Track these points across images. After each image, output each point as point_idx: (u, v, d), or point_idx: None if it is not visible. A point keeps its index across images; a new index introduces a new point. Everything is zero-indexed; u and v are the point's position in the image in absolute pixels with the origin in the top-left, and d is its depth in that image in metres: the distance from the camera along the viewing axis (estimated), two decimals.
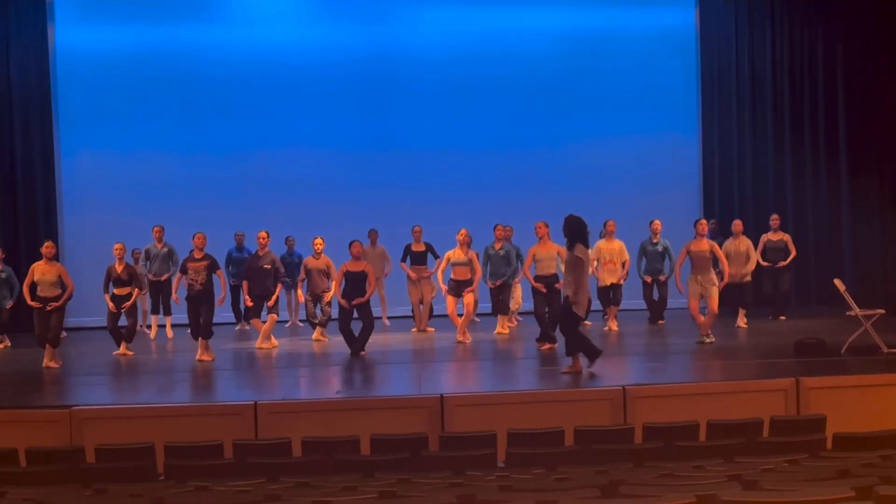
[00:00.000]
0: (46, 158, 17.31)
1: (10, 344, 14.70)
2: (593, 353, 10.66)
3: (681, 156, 18.24)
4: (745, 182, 17.96)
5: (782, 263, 15.26)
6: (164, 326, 15.20)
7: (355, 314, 12.68)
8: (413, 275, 15.06)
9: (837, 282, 12.29)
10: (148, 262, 14.89)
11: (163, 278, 14.84)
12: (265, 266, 13.32)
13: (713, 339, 12.62)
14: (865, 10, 17.68)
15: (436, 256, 15.05)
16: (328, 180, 17.65)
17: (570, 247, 10.71)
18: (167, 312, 15.03)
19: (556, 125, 18.12)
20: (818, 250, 17.77)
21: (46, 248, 12.56)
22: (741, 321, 14.51)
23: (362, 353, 12.59)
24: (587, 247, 10.86)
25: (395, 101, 18.07)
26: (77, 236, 17.39)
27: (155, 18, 17.71)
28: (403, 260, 15.26)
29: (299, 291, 14.38)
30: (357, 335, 12.62)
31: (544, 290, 12.81)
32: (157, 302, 15.05)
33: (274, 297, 13.30)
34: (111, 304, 13.17)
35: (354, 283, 12.70)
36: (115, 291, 13.22)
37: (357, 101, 18.07)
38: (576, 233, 10.73)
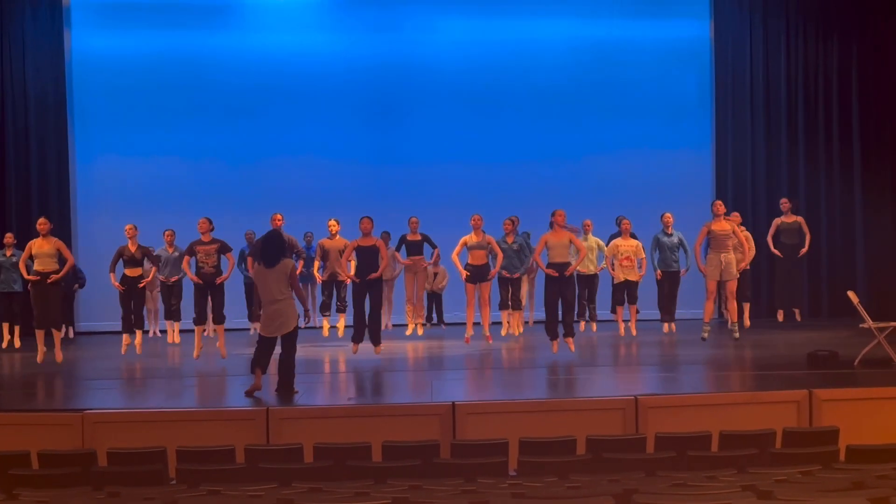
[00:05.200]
0: (61, 163, 17.40)
1: (19, 344, 14.71)
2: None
3: (694, 169, 18.17)
4: (758, 194, 17.88)
5: (802, 251, 15.19)
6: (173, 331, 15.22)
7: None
8: (408, 262, 14.86)
9: (851, 294, 12.24)
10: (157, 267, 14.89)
11: (172, 280, 14.86)
12: None
13: (738, 335, 12.72)
14: (881, 21, 17.63)
15: (433, 246, 14.92)
16: (340, 190, 17.63)
17: (272, 264, 10.17)
18: (175, 318, 15.01)
19: (570, 137, 18.10)
20: (832, 263, 17.71)
21: (41, 224, 12.52)
22: (746, 319, 14.59)
23: (377, 348, 12.68)
24: (293, 258, 10.67)
25: (409, 111, 18.10)
26: (90, 240, 17.44)
27: (170, 25, 17.82)
28: (398, 249, 14.97)
29: (316, 273, 14.21)
30: (367, 322, 12.69)
31: (556, 275, 12.63)
32: (168, 306, 15.08)
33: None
34: (118, 285, 13.26)
35: (366, 259, 12.66)
36: (127, 272, 13.34)
37: (370, 111, 18.11)
38: (279, 251, 10.29)
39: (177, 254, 14.80)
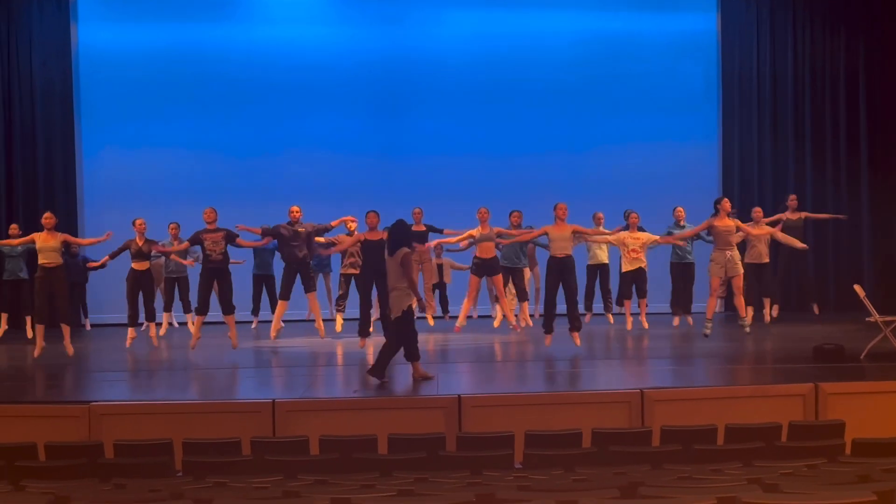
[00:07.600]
0: (67, 156, 17.45)
1: (31, 334, 14.65)
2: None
3: (700, 162, 18.18)
4: (764, 189, 17.88)
5: (799, 246, 15.08)
6: (184, 324, 15.23)
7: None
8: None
9: (857, 288, 12.23)
10: (165, 259, 14.89)
11: (179, 276, 14.84)
12: (299, 230, 13.39)
13: (748, 329, 12.90)
14: (888, 13, 17.59)
15: (439, 231, 14.86)
16: (345, 182, 17.65)
17: (392, 252, 10.50)
18: (187, 310, 15.02)
19: (576, 130, 18.12)
20: (838, 256, 17.69)
21: (46, 218, 12.54)
22: (767, 313, 14.72)
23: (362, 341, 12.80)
24: (412, 249, 10.75)
25: (415, 104, 18.10)
26: (97, 232, 17.35)
27: (177, 18, 17.87)
28: None
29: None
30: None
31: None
32: (172, 299, 15.05)
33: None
34: (103, 261, 13.67)
35: (373, 253, 12.51)
36: (134, 266, 13.42)
37: (375, 104, 18.13)
38: (401, 240, 10.55)
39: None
